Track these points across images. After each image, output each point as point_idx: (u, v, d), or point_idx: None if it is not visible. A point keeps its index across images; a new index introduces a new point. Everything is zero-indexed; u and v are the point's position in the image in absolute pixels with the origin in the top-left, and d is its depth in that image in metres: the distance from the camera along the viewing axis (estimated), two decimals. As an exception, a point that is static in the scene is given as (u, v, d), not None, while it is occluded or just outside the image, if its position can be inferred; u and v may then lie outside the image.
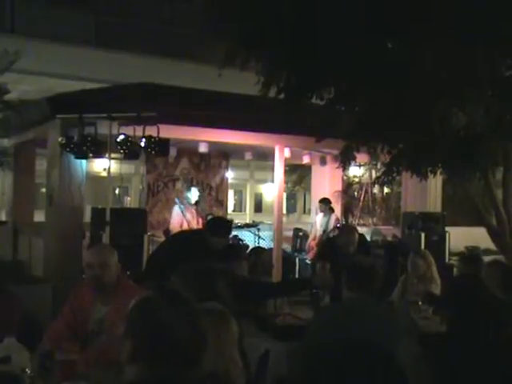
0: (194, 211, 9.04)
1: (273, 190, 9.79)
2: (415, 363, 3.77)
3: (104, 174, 8.27)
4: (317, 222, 10.51)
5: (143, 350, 1.81)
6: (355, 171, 13.12)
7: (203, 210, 9.74)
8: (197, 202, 9.14)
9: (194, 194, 9.11)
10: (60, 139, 6.98)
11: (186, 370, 1.82)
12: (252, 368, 3.26)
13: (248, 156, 11.14)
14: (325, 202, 10.45)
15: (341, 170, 9.83)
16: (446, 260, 8.63)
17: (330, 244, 6.95)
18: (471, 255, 6.51)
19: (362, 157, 7.97)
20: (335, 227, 10.02)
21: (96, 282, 3.68)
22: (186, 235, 6.57)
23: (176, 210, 9.16)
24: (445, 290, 3.86)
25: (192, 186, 9.81)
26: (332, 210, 10.38)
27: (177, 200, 9.43)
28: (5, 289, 4.23)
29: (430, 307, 5.29)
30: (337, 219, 10.44)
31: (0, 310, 3.87)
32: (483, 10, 4.86)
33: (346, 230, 6.74)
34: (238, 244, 6.39)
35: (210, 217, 9.33)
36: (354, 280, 3.77)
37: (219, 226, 5.70)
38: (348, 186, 13.02)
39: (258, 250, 6.63)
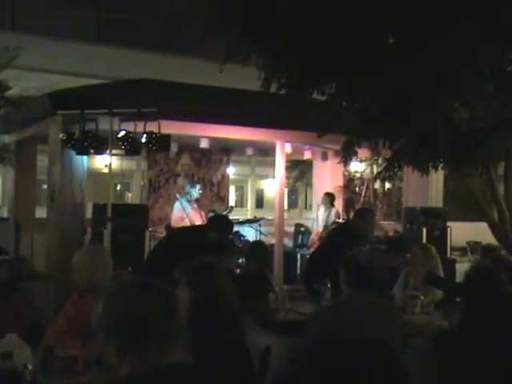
0: (195, 206, 9.11)
1: (274, 185, 9.78)
2: (419, 358, 3.77)
3: (105, 170, 8.27)
4: (319, 218, 10.52)
5: (128, 346, 1.81)
6: (356, 166, 13.11)
7: (203, 206, 9.76)
8: (197, 199, 9.21)
9: (197, 191, 9.19)
10: (61, 135, 6.98)
11: (169, 357, 1.82)
12: (254, 363, 3.27)
13: (249, 152, 11.14)
14: (329, 195, 10.44)
15: (342, 165, 9.80)
16: (448, 255, 8.62)
17: (346, 227, 6.84)
18: (490, 246, 6.47)
19: (363, 152, 7.96)
20: (335, 221, 10.03)
21: (85, 286, 3.68)
22: (186, 231, 6.59)
23: (177, 205, 9.19)
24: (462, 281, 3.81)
25: (196, 183, 9.83)
26: (332, 205, 10.40)
27: (178, 195, 9.45)
28: (20, 287, 4.27)
29: (431, 287, 5.31)
30: (337, 213, 10.45)
31: (15, 308, 3.91)
32: (484, 4, 4.85)
33: (364, 213, 6.56)
34: (226, 238, 6.38)
35: (211, 214, 9.36)
36: (351, 277, 3.75)
37: (220, 223, 5.73)
38: (349, 181, 13.02)
39: (256, 243, 6.66)
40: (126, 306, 1.84)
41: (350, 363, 3.15)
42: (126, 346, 1.81)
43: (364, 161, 12.31)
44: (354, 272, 3.75)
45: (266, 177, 25.55)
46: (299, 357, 3.63)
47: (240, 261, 8.61)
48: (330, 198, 10.44)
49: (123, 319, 1.83)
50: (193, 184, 9.52)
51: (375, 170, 11.62)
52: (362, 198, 12.92)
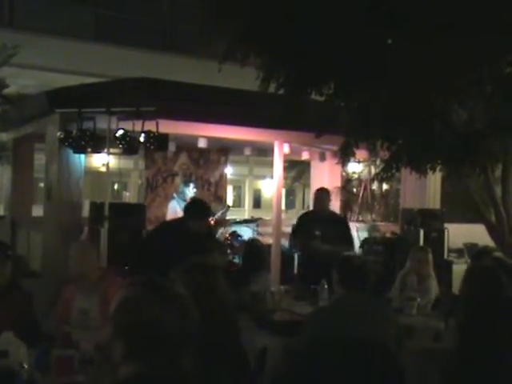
0: None
1: (272, 185, 9.77)
2: (416, 359, 3.76)
3: (103, 168, 8.24)
4: None
5: (136, 348, 1.79)
6: (354, 167, 13.11)
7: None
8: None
9: (190, 190, 9.10)
10: (59, 134, 6.96)
11: (178, 361, 1.81)
12: (250, 364, 3.26)
13: (247, 151, 11.12)
14: None
15: (340, 166, 9.82)
16: (445, 256, 8.63)
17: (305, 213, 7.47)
18: (483, 250, 6.48)
19: (361, 153, 7.95)
20: None
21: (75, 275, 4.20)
22: (168, 223, 6.61)
23: (171, 205, 9.12)
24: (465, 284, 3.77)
25: (189, 181, 9.76)
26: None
27: (175, 195, 9.41)
28: (19, 285, 4.31)
29: (428, 289, 5.34)
30: None
31: (13, 306, 3.92)
32: (483, 6, 4.85)
33: (318, 190, 7.38)
34: (212, 235, 6.43)
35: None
36: (345, 277, 3.72)
37: (196, 208, 5.74)
38: (347, 182, 13.01)
39: (251, 242, 6.67)
40: (143, 312, 1.81)
41: (346, 364, 3.14)
42: (136, 349, 1.79)
43: (362, 162, 12.30)
44: (348, 273, 3.73)
45: (263, 177, 25.57)
46: (295, 357, 3.63)
47: (236, 260, 8.62)
48: None
49: (138, 325, 1.80)
50: (186, 183, 9.46)
51: (373, 171, 11.62)
52: (359, 199, 12.92)
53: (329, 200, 7.13)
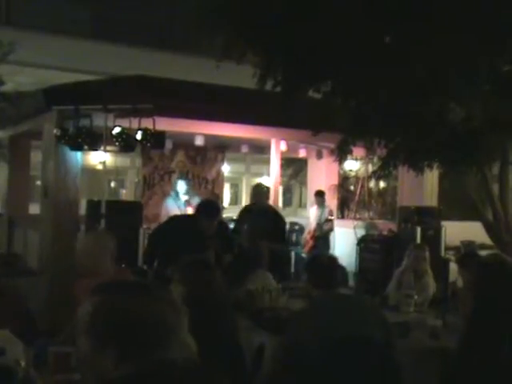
0: (189, 202, 8.89)
1: (269, 183, 9.77)
2: (413, 357, 3.75)
3: (99, 166, 8.24)
4: (311, 216, 10.53)
5: (131, 347, 1.76)
6: (351, 165, 13.08)
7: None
8: (185, 194, 8.91)
9: (180, 187, 8.92)
10: (55, 131, 6.95)
11: (166, 354, 1.79)
12: (247, 362, 3.26)
13: (244, 149, 11.12)
14: (320, 194, 10.50)
15: (337, 163, 9.80)
16: (442, 254, 8.63)
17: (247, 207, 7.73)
18: (470, 252, 6.50)
19: (358, 151, 7.96)
20: (327, 219, 10.07)
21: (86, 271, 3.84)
22: (177, 218, 6.64)
23: (167, 202, 9.04)
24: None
25: (178, 178, 9.58)
26: (324, 202, 10.44)
27: (172, 193, 9.37)
28: (5, 283, 4.28)
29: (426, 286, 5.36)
30: (330, 211, 10.46)
31: (10, 305, 3.92)
32: (481, 4, 4.85)
33: (253, 186, 7.84)
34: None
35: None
36: (315, 278, 3.71)
37: (206, 208, 5.81)
38: (344, 179, 12.97)
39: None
40: (127, 309, 1.78)
41: (341, 364, 3.13)
42: (130, 349, 1.76)
43: (359, 159, 12.28)
44: (317, 273, 3.71)
45: (260, 175, 25.52)
46: (287, 358, 3.60)
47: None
48: (322, 197, 10.44)
49: (128, 324, 1.76)
50: (175, 180, 9.40)
51: (370, 169, 11.60)
52: (356, 197, 12.90)
53: (266, 195, 7.17)
